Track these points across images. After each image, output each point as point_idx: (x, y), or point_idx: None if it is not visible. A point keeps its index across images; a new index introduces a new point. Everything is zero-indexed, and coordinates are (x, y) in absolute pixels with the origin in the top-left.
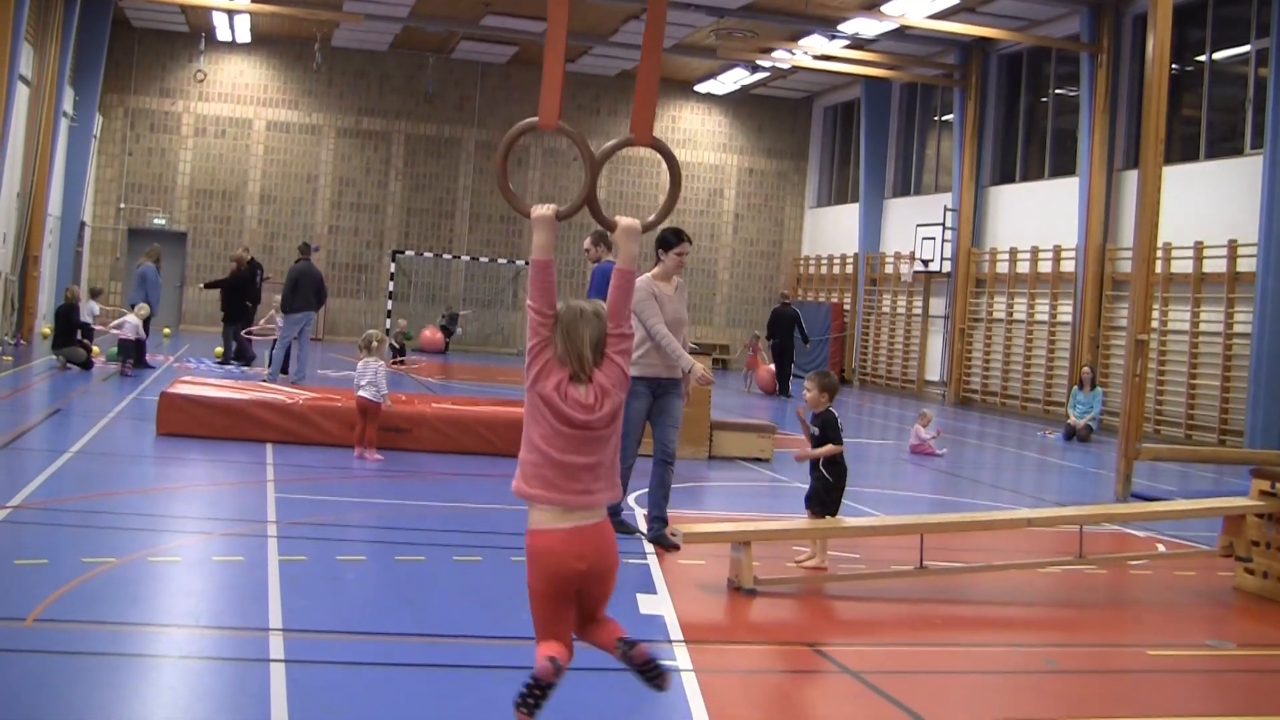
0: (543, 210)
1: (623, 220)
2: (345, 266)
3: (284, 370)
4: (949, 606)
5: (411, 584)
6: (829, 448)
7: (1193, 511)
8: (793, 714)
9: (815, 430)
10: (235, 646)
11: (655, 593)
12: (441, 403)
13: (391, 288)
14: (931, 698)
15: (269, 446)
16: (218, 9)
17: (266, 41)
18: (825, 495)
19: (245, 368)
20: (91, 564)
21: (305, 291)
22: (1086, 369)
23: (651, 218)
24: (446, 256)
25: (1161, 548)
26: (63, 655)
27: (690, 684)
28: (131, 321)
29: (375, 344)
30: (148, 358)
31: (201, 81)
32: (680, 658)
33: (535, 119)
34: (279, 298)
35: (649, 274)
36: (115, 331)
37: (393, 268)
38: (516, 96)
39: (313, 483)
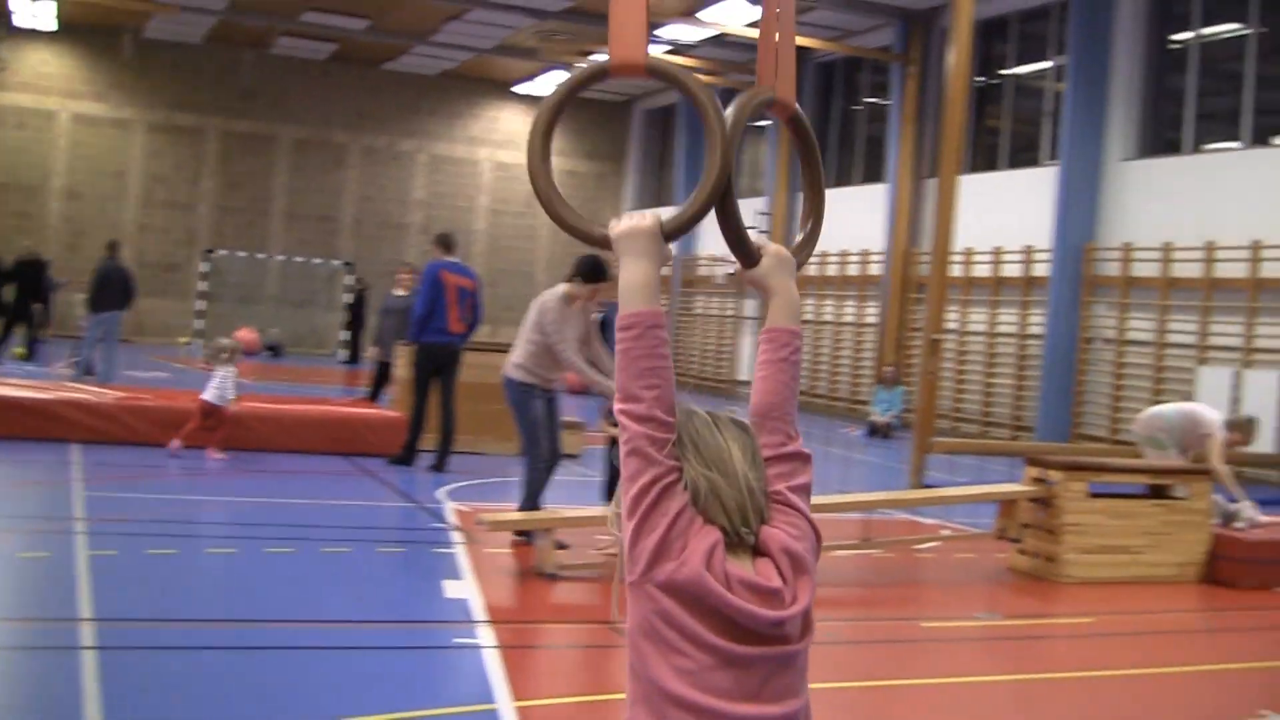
0: (640, 224)
1: (773, 246)
2: (155, 266)
3: (89, 370)
4: None
5: (223, 574)
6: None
7: (968, 497)
8: (587, 684)
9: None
10: (44, 636)
11: (461, 579)
12: (254, 402)
13: (204, 287)
14: None
15: (75, 446)
16: None
17: (72, 30)
18: (617, 484)
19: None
20: None
21: (113, 291)
22: (889, 368)
23: (801, 238)
24: (261, 255)
25: (947, 532)
26: None
27: (493, 659)
28: None
29: (225, 355)
30: None
31: (2, 71)
32: (482, 637)
33: (604, 60)
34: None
35: (561, 293)
36: None
37: (205, 267)
38: (336, 95)
39: (122, 481)
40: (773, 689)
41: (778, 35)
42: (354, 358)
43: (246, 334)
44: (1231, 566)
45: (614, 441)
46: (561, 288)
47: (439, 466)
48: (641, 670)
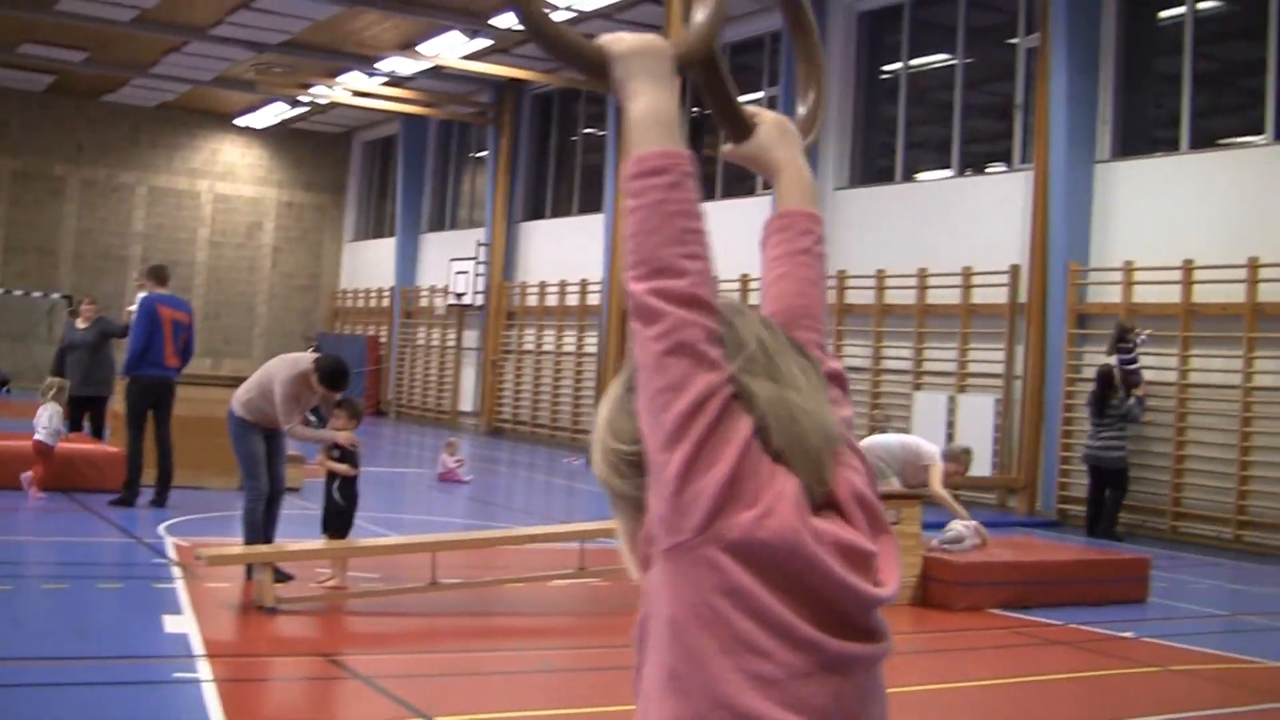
0: (653, 41)
1: (771, 114)
2: None
3: None
4: (459, 619)
5: None
6: (344, 468)
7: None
8: (306, 715)
9: (337, 453)
10: None
11: (181, 613)
12: None
13: None
14: (437, 697)
15: None
16: None
17: None
18: (337, 517)
19: None
20: None
21: None
22: None
23: (803, 111)
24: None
25: None
26: None
27: (210, 694)
28: None
29: (55, 391)
30: None
31: None
32: (201, 671)
33: None
34: None
35: (305, 371)
36: None
37: None
38: (54, 126)
39: None
40: (875, 708)
41: None
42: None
43: None
44: (944, 589)
45: (332, 475)
46: (305, 364)
47: (159, 501)
48: (696, 680)
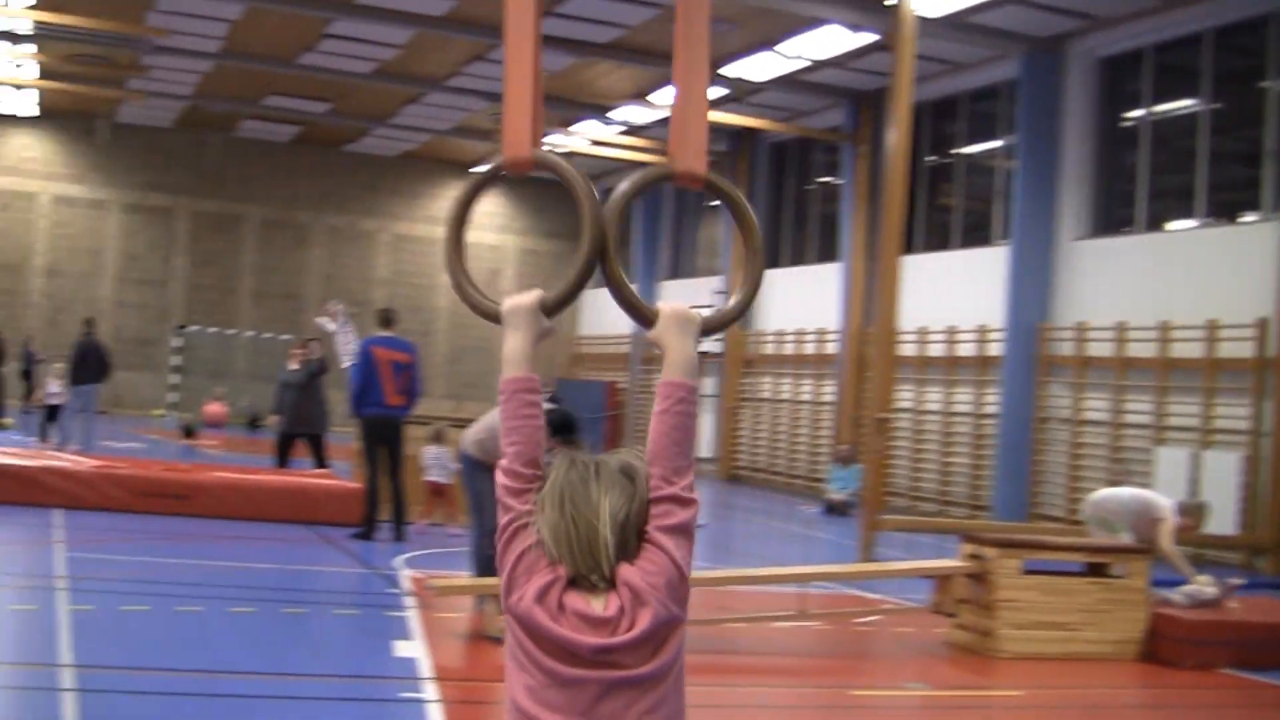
0: (520, 300)
1: (668, 307)
2: (130, 340)
3: (68, 440)
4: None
5: (191, 630)
6: None
7: (900, 572)
8: None
9: None
10: (30, 678)
11: (411, 639)
12: (220, 471)
13: (176, 362)
14: None
15: (56, 510)
16: (3, 83)
17: (52, 116)
18: None
19: None
20: None
21: (90, 365)
22: (844, 446)
23: (732, 303)
24: (230, 331)
25: (889, 607)
26: None
27: (435, 713)
28: None
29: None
30: None
31: None
32: (427, 692)
33: (499, 160)
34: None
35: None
36: None
37: (177, 342)
38: (299, 176)
39: (99, 543)
40: (606, 708)
41: (687, 111)
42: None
43: (215, 408)
44: (1172, 646)
45: None
46: None
47: (398, 536)
48: (507, 684)
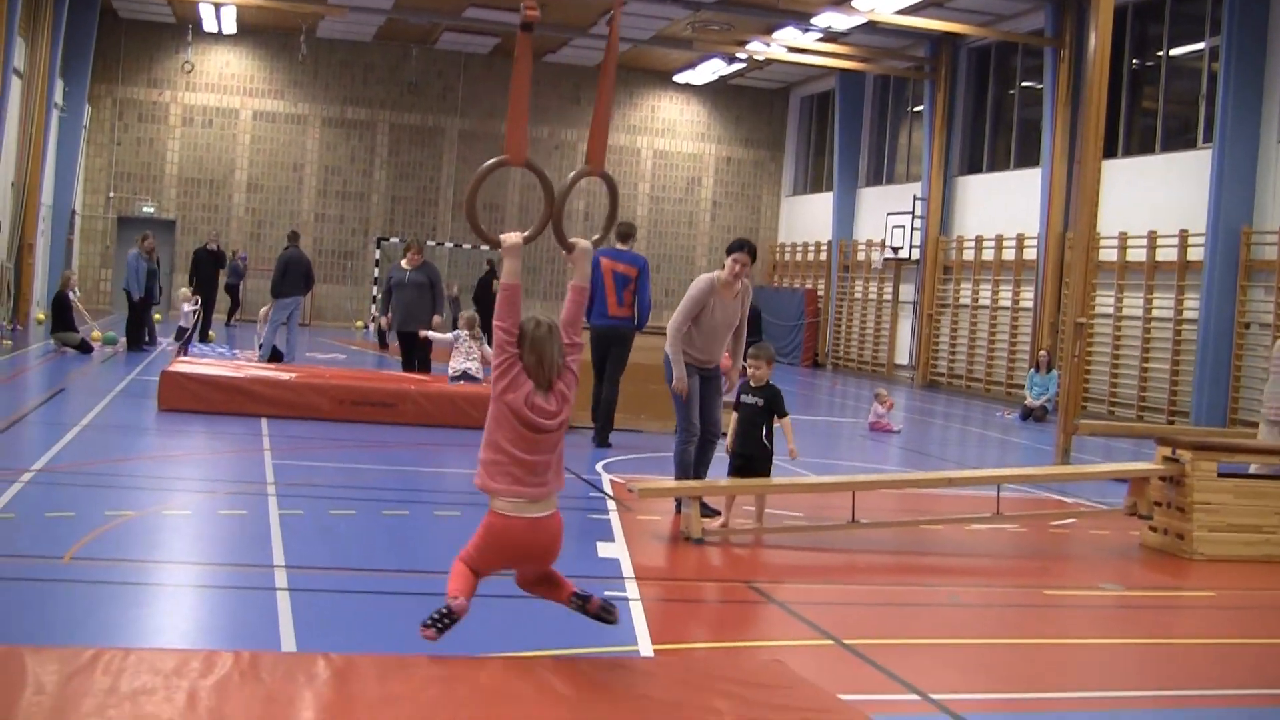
0: (512, 238)
1: (580, 242)
2: (331, 253)
3: (274, 354)
4: (876, 555)
5: (397, 532)
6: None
7: (1099, 474)
8: (720, 633)
9: (759, 401)
10: (245, 579)
11: (613, 541)
12: (423, 381)
13: (376, 274)
14: (842, 622)
15: (264, 420)
16: (204, 1)
17: (252, 32)
18: (765, 464)
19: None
20: (113, 516)
21: (294, 277)
22: (1043, 352)
23: (596, 236)
24: (430, 243)
25: (1084, 509)
26: (96, 585)
27: (637, 610)
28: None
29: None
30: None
31: (189, 72)
32: (630, 591)
33: (504, 156)
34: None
35: (715, 275)
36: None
37: (378, 254)
38: (499, 87)
39: (306, 451)
40: (546, 448)
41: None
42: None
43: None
44: None
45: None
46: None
47: (601, 441)
48: (492, 430)
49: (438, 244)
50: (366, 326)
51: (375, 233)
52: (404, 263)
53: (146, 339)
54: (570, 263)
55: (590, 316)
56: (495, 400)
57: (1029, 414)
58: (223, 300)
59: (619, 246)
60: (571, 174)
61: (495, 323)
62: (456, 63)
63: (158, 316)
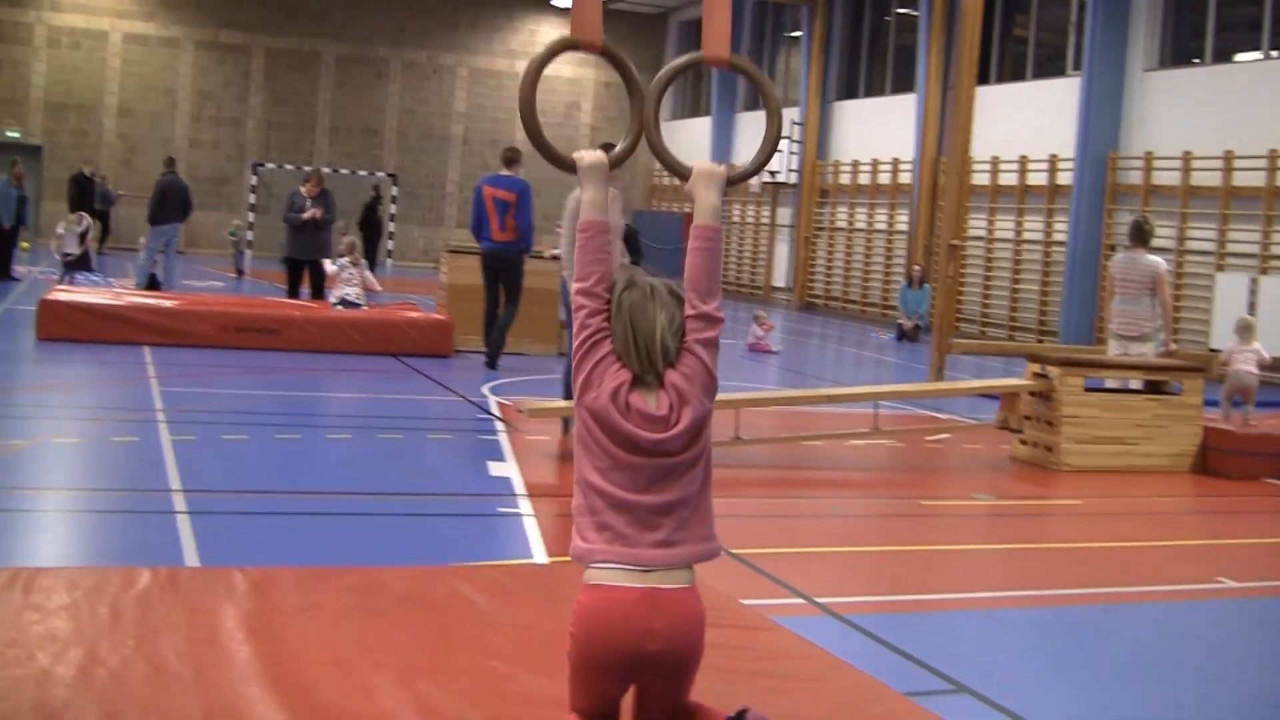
0: (593, 156)
1: (699, 164)
2: (206, 179)
3: (151, 282)
4: (761, 470)
5: (291, 456)
6: None
7: (972, 390)
8: None
9: None
10: (143, 503)
11: (504, 460)
12: (306, 306)
13: (252, 200)
14: (729, 533)
15: (146, 349)
16: None
17: None
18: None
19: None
20: (2, 444)
21: (172, 204)
22: (916, 268)
23: (751, 161)
24: (307, 169)
25: (959, 424)
26: None
27: (530, 526)
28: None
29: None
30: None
31: None
32: (523, 507)
33: (566, 36)
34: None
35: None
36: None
37: (254, 180)
38: (378, 11)
39: (193, 378)
40: (661, 484)
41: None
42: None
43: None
44: (1222, 458)
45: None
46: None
47: (492, 364)
48: (577, 464)
49: (314, 170)
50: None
51: (251, 159)
52: (303, 189)
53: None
54: (688, 192)
55: (480, 242)
56: (576, 406)
57: (904, 334)
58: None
59: (502, 172)
60: (675, 62)
61: (575, 284)
62: None
63: (25, 245)
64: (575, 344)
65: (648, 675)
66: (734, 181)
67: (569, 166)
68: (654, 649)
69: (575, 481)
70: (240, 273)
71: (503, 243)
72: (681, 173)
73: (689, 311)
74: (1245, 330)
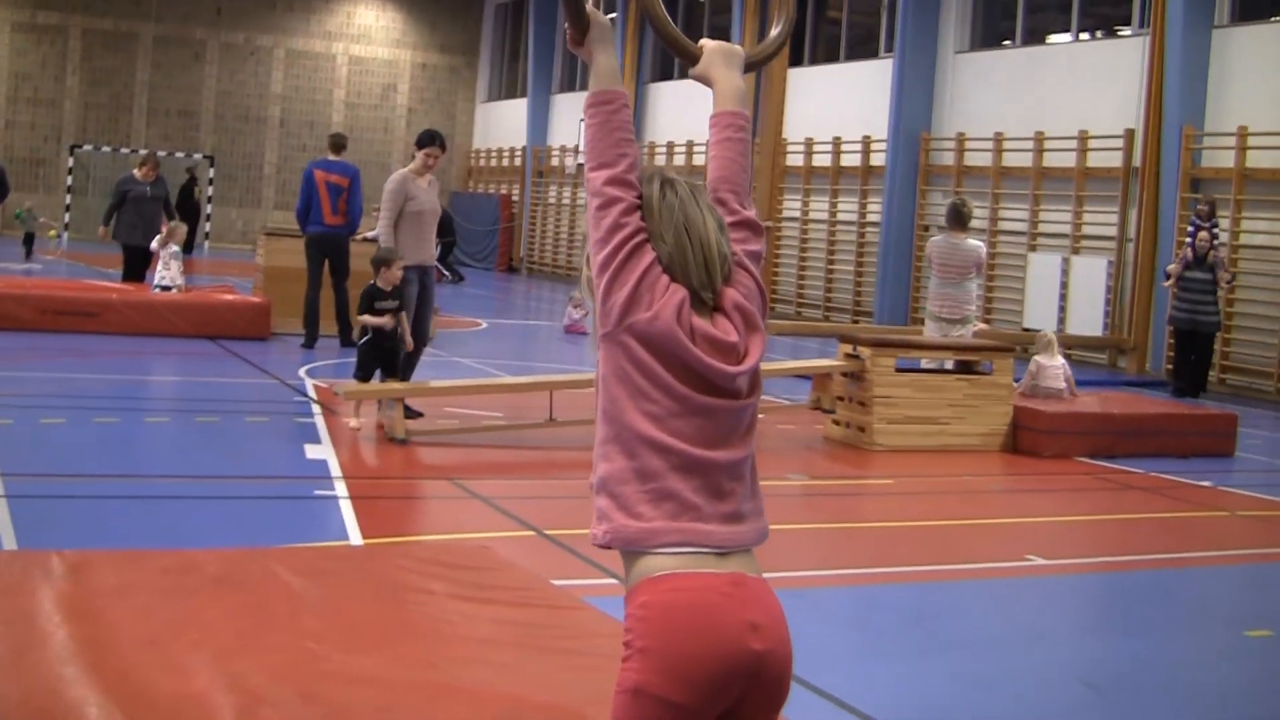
0: (604, 18)
1: (712, 43)
2: (23, 161)
3: None
4: (571, 452)
5: (110, 439)
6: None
7: (783, 371)
8: (426, 525)
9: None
10: None
11: (320, 443)
12: (125, 289)
13: (70, 182)
14: (542, 514)
15: None
16: None
17: None
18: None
19: None
20: None
21: None
22: None
23: (771, 36)
24: (125, 150)
25: (771, 404)
26: None
27: (346, 508)
28: None
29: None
30: None
31: None
32: (339, 489)
33: None
34: None
35: (405, 170)
36: None
37: (71, 162)
38: None
39: (10, 361)
40: (729, 438)
41: None
42: (189, 248)
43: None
44: (1034, 436)
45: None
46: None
47: (309, 343)
48: (614, 414)
49: (133, 151)
50: (59, 236)
51: (69, 140)
52: (137, 174)
53: None
54: (699, 76)
55: (306, 225)
56: (609, 334)
57: None
58: None
59: (330, 157)
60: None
61: (598, 172)
62: None
63: None
64: (607, 250)
65: (751, 694)
66: (752, 65)
67: (693, 56)
68: (761, 649)
69: (606, 440)
70: (29, 255)
71: (334, 226)
72: (690, 52)
73: (728, 218)
74: (1048, 347)
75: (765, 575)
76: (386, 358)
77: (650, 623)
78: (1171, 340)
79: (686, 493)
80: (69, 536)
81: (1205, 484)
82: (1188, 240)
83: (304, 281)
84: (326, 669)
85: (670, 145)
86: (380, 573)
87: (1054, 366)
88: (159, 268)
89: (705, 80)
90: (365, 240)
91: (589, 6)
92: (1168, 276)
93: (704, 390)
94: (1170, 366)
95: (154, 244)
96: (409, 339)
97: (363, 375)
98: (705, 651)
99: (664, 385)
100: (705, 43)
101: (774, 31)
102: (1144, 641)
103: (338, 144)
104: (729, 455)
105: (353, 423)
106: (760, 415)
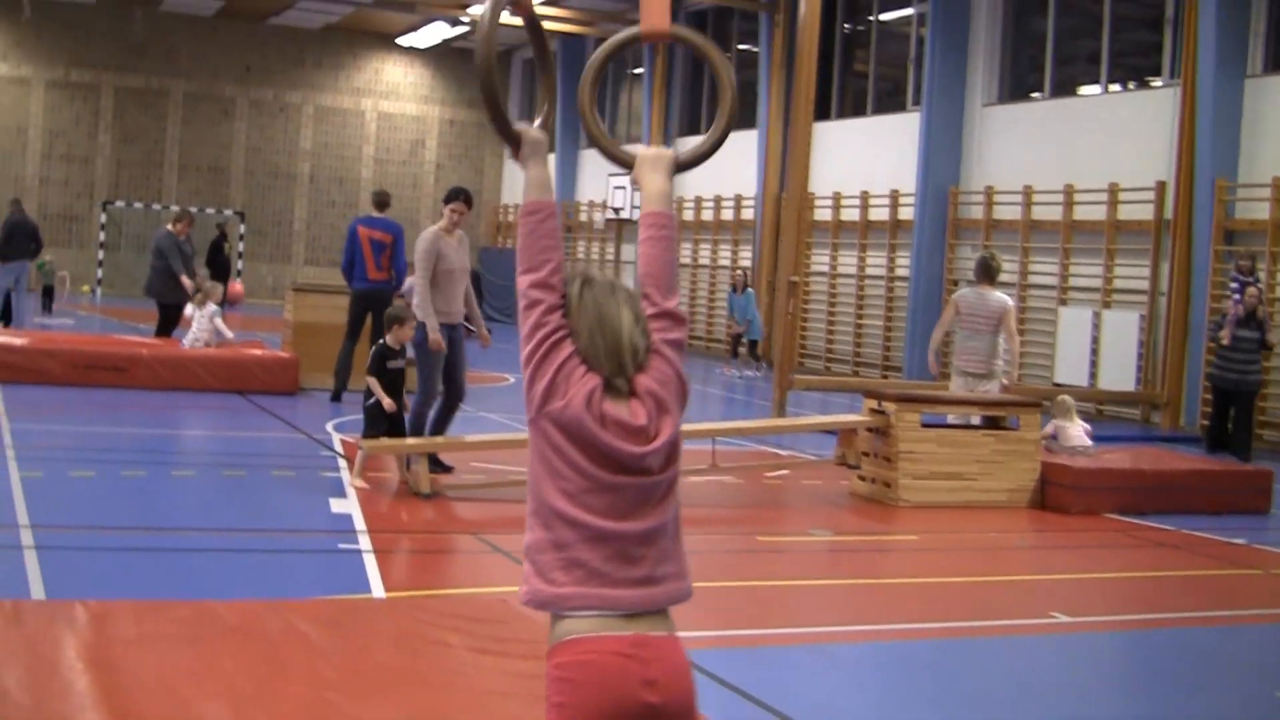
0: (538, 131)
1: (642, 149)
2: (57, 217)
3: (3, 318)
4: None
5: (137, 492)
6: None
7: (808, 426)
8: (447, 579)
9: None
10: None
11: (345, 497)
12: (154, 345)
13: (103, 238)
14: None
15: None
16: None
17: None
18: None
19: None
20: None
21: (20, 240)
22: (739, 272)
23: (702, 141)
24: (156, 206)
25: (797, 460)
26: None
27: (369, 562)
28: None
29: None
30: None
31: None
32: (362, 543)
33: (635, 29)
34: None
35: (435, 228)
36: None
37: (104, 218)
38: (222, 49)
39: (41, 415)
40: (639, 510)
41: None
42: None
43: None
44: (1061, 492)
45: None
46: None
47: (336, 397)
48: (536, 489)
49: (164, 207)
50: (93, 290)
51: (101, 196)
52: (173, 228)
53: None
54: (634, 181)
55: (351, 281)
56: (533, 421)
57: (737, 343)
58: None
59: (374, 214)
60: (611, 40)
61: (522, 276)
62: (180, 25)
63: None
64: (530, 346)
65: None
66: (683, 166)
67: (516, 141)
68: (656, 701)
69: (531, 513)
70: (48, 308)
71: (378, 281)
72: (625, 160)
73: (650, 310)
74: (1068, 413)
75: (789, 630)
76: (394, 418)
77: (563, 682)
78: (1207, 396)
79: (595, 561)
80: (96, 588)
81: (1238, 541)
82: (1234, 297)
83: (333, 337)
84: (341, 718)
85: (698, 199)
86: (398, 625)
87: (1075, 428)
88: (193, 328)
89: (637, 184)
90: (397, 297)
91: (520, 125)
92: (1218, 336)
93: (613, 469)
94: (1205, 423)
95: (188, 309)
96: (405, 400)
97: (371, 435)
98: (607, 706)
99: (576, 465)
100: (637, 149)
101: (708, 134)
102: (1169, 701)
103: (381, 201)
104: (638, 526)
105: (358, 482)
106: (785, 471)
